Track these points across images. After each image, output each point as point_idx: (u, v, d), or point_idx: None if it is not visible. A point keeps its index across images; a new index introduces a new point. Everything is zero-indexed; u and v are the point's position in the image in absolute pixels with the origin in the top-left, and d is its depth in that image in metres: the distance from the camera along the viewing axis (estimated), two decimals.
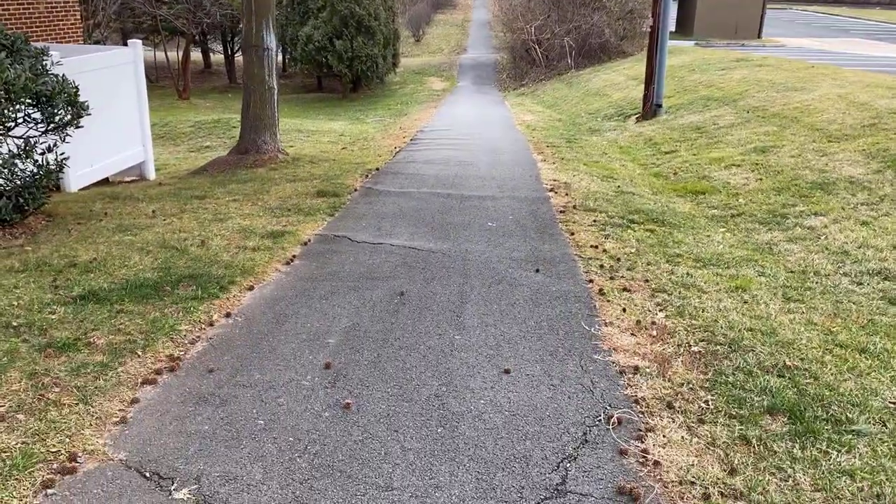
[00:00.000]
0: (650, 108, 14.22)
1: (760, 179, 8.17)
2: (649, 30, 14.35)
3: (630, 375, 3.32)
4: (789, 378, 3.28)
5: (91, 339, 3.55)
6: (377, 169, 9.01)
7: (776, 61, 16.97)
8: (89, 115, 5.83)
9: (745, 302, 4.30)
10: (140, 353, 3.46)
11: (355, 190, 7.59)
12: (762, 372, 3.33)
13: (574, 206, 6.85)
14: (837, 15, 48.34)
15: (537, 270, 4.84)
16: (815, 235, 6.05)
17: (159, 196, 7.38)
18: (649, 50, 14.35)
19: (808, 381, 3.26)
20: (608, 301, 4.25)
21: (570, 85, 23.38)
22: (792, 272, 5.16)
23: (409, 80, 30.13)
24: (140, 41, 9.52)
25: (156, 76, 29.22)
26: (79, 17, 11.96)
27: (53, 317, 3.81)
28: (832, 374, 3.35)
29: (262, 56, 9.02)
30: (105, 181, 9.21)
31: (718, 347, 3.60)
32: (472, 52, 37.89)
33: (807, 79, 13.35)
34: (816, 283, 4.89)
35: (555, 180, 8.23)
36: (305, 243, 5.48)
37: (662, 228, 6.23)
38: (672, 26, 24.21)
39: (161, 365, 3.37)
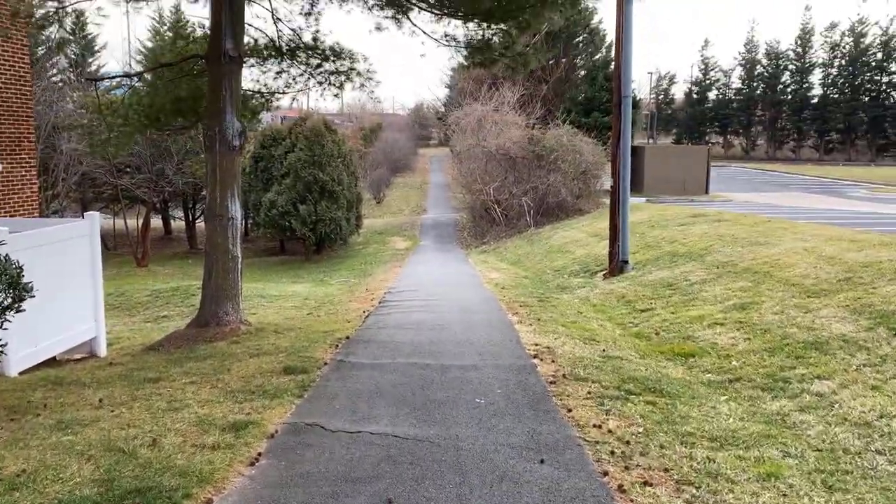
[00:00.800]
0: (617, 264, 14.22)
1: (749, 339, 7.86)
2: (610, 189, 14.66)
3: None
4: None
5: None
6: (347, 337, 8.49)
7: (732, 216, 17.43)
8: (32, 297, 5.28)
9: (784, 495, 3.76)
10: None
11: (325, 363, 7.02)
12: None
13: (564, 376, 6.38)
14: (773, 171, 51.38)
15: (542, 461, 4.26)
16: (827, 403, 5.63)
17: (108, 380, 6.69)
18: (611, 208, 14.58)
19: None
20: (632, 501, 3.67)
21: (531, 242, 23.68)
22: (819, 451, 4.67)
23: (373, 241, 30.33)
24: (97, 213, 9.17)
25: (114, 244, 28.89)
26: (35, 189, 11.66)
27: None
28: None
29: (227, 225, 8.71)
30: (52, 359, 8.49)
31: None
32: (433, 211, 38.76)
33: (767, 233, 13.58)
34: (851, 464, 4.40)
35: (536, 344, 7.80)
36: (272, 435, 4.83)
37: (663, 400, 5.75)
38: None
39: None
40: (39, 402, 5.70)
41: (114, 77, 15.03)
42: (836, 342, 7.10)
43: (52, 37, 20.62)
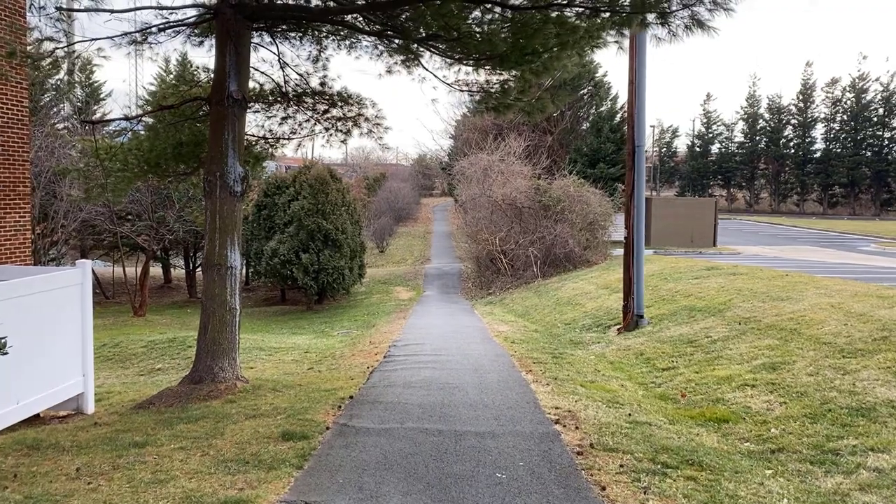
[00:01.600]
0: (632, 318, 13.67)
1: (785, 403, 7.28)
2: (624, 240, 14.21)
3: None
4: None
5: None
6: (351, 397, 7.91)
7: (748, 269, 16.93)
8: (6, 353, 4.76)
9: None
10: None
11: (327, 428, 6.44)
12: None
13: (591, 445, 5.79)
14: (780, 224, 51.09)
15: None
16: (890, 482, 5.03)
17: (90, 443, 6.11)
18: (625, 260, 14.10)
19: None
20: None
21: (538, 294, 23.13)
22: None
23: (376, 290, 29.80)
24: (89, 262, 8.70)
25: (113, 292, 28.39)
26: (29, 235, 11.22)
27: None
28: None
29: (225, 275, 8.21)
30: (37, 416, 7.91)
31: None
32: (436, 261, 38.32)
33: (787, 287, 13.06)
34: None
35: (557, 408, 7.22)
36: None
37: (704, 475, 5.16)
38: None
39: None
40: (9, 472, 5.12)
41: (112, 120, 14.76)
42: (885, 408, 6.53)
43: (58, 83, 20.55)
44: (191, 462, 5.35)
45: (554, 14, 7.18)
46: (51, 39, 8.46)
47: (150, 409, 7.92)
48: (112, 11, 7.75)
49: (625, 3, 6.42)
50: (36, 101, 20.44)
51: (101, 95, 33.80)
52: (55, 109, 24.38)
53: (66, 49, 8.02)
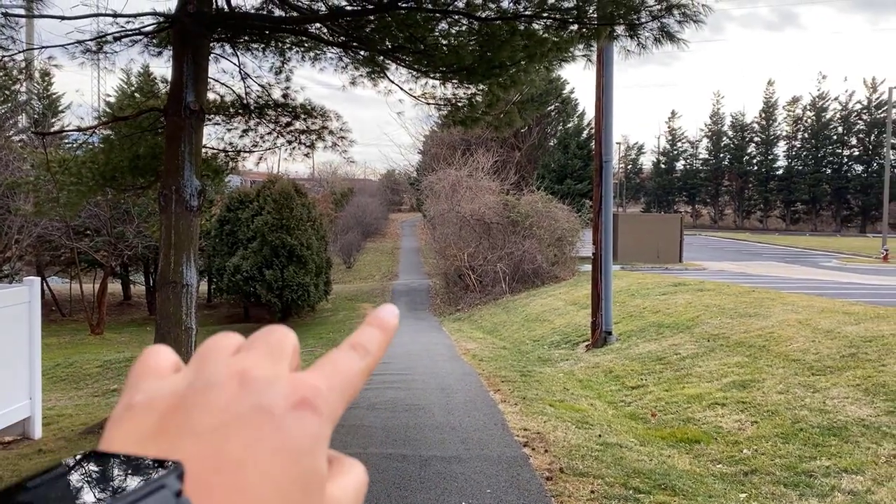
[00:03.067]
0: (600, 335, 13.55)
1: (756, 423, 7.16)
2: (592, 256, 14.12)
3: None
4: None
5: None
6: None
7: (714, 285, 16.96)
8: None
9: None
10: None
11: None
12: None
13: (561, 469, 5.57)
14: (744, 240, 51.85)
15: None
16: None
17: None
18: (594, 276, 14.01)
19: None
20: None
21: (507, 310, 22.97)
22: None
23: (342, 307, 29.36)
24: (37, 279, 8.30)
25: (69, 309, 27.57)
26: None
27: None
28: None
29: (181, 293, 7.87)
30: None
31: None
32: (404, 277, 38.01)
33: (755, 304, 13.05)
34: None
35: (525, 429, 6.99)
36: None
37: (676, 499, 4.98)
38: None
39: None
40: None
41: (64, 132, 14.29)
42: (856, 427, 6.43)
43: (10, 93, 19.91)
44: None
45: (521, 26, 7.04)
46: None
47: (100, 433, 7.51)
48: (62, 18, 7.42)
49: (593, 15, 6.31)
50: None
51: (60, 107, 33.01)
52: (11, 121, 23.67)
53: (10, 57, 7.66)
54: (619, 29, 6.13)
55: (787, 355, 9.15)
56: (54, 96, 34.02)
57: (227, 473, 0.31)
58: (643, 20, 5.85)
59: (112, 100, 24.30)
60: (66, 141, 18.91)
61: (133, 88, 22.93)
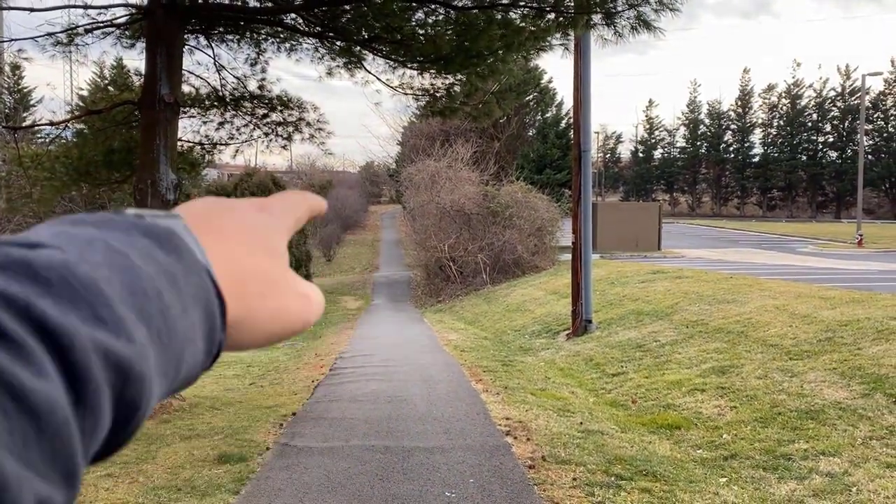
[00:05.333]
0: (580, 324, 13.62)
1: (735, 408, 7.24)
2: (572, 245, 14.18)
3: None
4: None
5: None
6: (293, 413, 7.57)
7: (693, 273, 17.10)
8: None
9: None
10: None
11: (267, 448, 6.10)
12: None
13: (543, 458, 5.60)
14: (721, 228, 52.32)
15: None
16: (843, 486, 4.97)
17: None
18: (573, 265, 14.07)
19: None
20: None
21: (488, 301, 23.01)
22: None
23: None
24: None
25: None
26: None
27: None
28: None
29: None
30: None
31: None
32: (385, 270, 37.95)
33: (733, 290, 13.18)
34: None
35: (507, 418, 7.02)
36: None
37: (658, 486, 5.02)
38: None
39: None
40: None
41: (35, 126, 14.06)
42: (833, 410, 6.53)
43: None
44: (118, 491, 4.96)
45: (499, 15, 7.01)
46: None
47: None
48: (32, 10, 7.28)
49: (570, 4, 6.30)
50: None
51: (32, 101, 32.46)
52: None
53: None
54: (596, 17, 6.12)
55: (765, 340, 9.25)
56: (25, 90, 33.42)
57: (214, 221, 0.45)
58: (620, 8, 5.85)
59: (85, 93, 23.91)
60: (39, 136, 18.59)
61: (107, 82, 22.58)
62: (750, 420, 6.77)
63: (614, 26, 6.01)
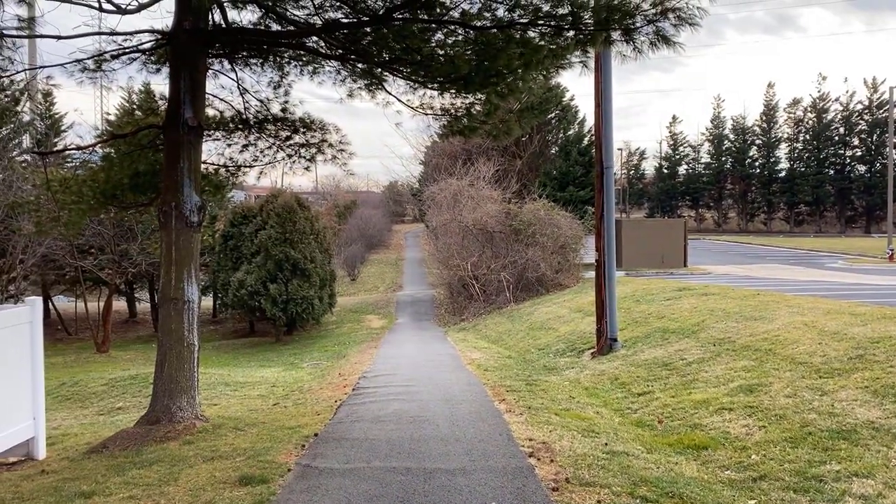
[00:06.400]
0: (605, 342, 13.48)
1: (764, 427, 7.08)
2: (595, 263, 14.07)
3: None
4: None
5: None
6: (316, 434, 7.55)
7: (719, 290, 16.88)
8: None
9: None
10: None
11: (289, 470, 6.08)
12: None
13: (567, 480, 5.51)
14: (748, 244, 51.67)
15: None
16: None
17: (34, 494, 5.69)
18: (597, 283, 13.95)
19: None
20: None
21: (511, 319, 22.91)
22: None
23: (347, 319, 29.34)
24: (39, 299, 8.27)
25: (75, 328, 27.60)
26: None
27: None
28: None
29: (182, 310, 7.85)
30: None
31: None
32: (409, 288, 37.98)
33: (760, 307, 12.98)
34: None
35: (531, 439, 6.94)
36: None
37: None
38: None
39: None
40: None
41: (63, 151, 14.34)
42: (866, 430, 6.36)
43: (17, 115, 20.02)
44: None
45: (517, 34, 7.03)
46: None
47: (104, 452, 7.48)
48: (59, 38, 7.44)
49: (588, 21, 6.30)
50: None
51: (62, 127, 33.17)
52: (14, 142, 23.77)
53: (9, 78, 7.68)
54: (615, 34, 6.11)
55: (794, 358, 9.07)
56: (56, 116, 34.16)
57: None
58: (638, 24, 5.83)
59: (113, 118, 24.39)
60: (69, 161, 18.97)
61: (134, 106, 23.03)
62: (779, 440, 6.62)
63: (633, 42, 5.99)
